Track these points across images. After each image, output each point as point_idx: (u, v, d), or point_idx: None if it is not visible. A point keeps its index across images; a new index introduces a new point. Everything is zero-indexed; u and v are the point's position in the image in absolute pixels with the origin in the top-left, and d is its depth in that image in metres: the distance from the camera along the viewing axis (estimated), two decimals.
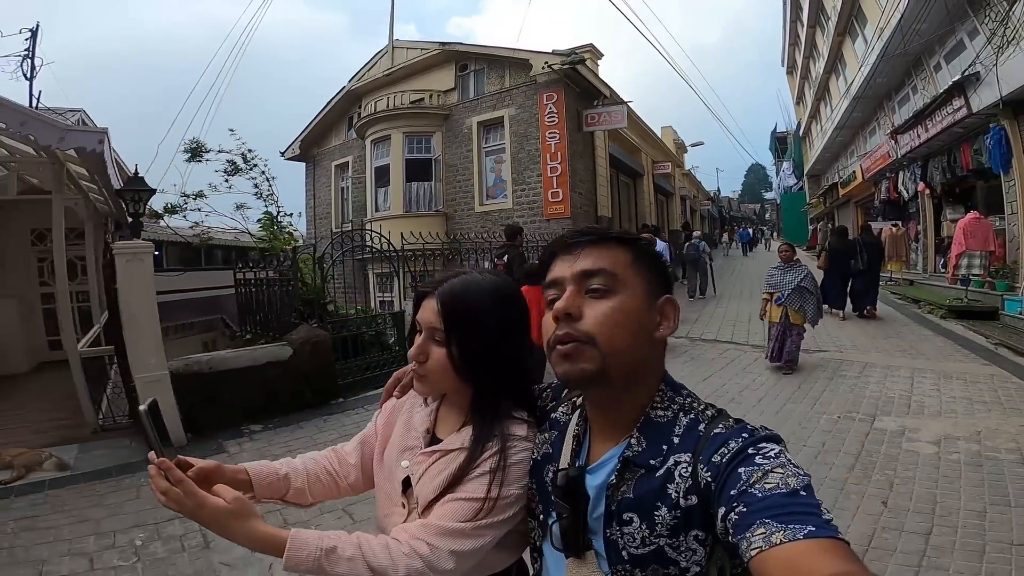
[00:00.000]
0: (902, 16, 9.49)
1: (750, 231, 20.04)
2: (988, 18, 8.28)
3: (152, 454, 0.72)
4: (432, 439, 0.93)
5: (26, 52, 11.03)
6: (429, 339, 0.88)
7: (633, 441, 0.72)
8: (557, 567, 0.78)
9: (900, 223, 12.06)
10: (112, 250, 4.14)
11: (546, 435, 0.85)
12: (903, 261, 11.61)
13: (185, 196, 6.49)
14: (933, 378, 4.95)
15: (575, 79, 10.61)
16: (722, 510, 0.59)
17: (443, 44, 12.14)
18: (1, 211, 7.92)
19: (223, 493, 0.73)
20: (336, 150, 15.08)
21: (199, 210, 6.61)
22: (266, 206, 6.50)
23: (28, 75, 10.85)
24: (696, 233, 12.59)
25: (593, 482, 0.74)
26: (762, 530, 0.52)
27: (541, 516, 0.82)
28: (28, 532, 2.73)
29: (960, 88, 8.73)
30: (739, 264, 18.97)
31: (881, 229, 12.13)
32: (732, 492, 0.59)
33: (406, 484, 0.90)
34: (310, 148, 15.63)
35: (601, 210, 11.81)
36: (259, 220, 6.39)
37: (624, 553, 0.69)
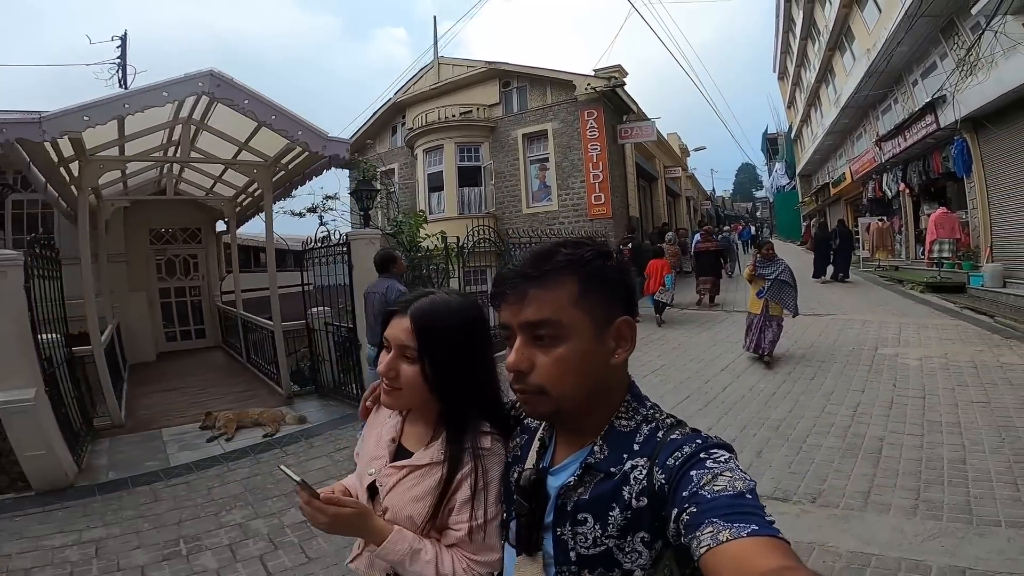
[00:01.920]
0: (887, 39, 11.72)
1: (752, 229, 22.12)
2: (956, 46, 10.58)
3: (298, 488, 0.87)
4: (398, 448, 1.03)
5: (118, 60, 12.44)
6: (399, 356, 0.96)
7: (596, 448, 0.78)
8: (510, 564, 0.85)
9: (885, 218, 14.41)
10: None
11: (517, 440, 0.94)
12: (889, 250, 13.93)
13: (327, 198, 8.21)
14: (915, 327, 7.09)
15: (610, 97, 12.65)
16: (675, 511, 0.65)
17: (489, 63, 14.06)
18: (129, 212, 9.48)
19: (345, 501, 0.90)
20: (380, 157, 16.85)
21: (332, 210, 8.36)
22: (390, 211, 8.30)
23: (123, 82, 12.23)
24: (727, 228, 14.99)
25: (554, 483, 0.80)
26: (710, 529, 0.58)
27: (504, 515, 0.91)
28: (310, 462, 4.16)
29: (931, 107, 10.97)
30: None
31: (869, 223, 14.52)
32: (684, 494, 0.64)
33: (371, 490, 1.01)
34: (353, 155, 17.37)
35: (632, 211, 13.90)
36: (393, 223, 8.09)
37: (572, 554, 0.75)
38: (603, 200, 12.30)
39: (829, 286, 12.17)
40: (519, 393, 0.78)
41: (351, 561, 1.03)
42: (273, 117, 4.83)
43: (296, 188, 6.86)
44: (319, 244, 5.90)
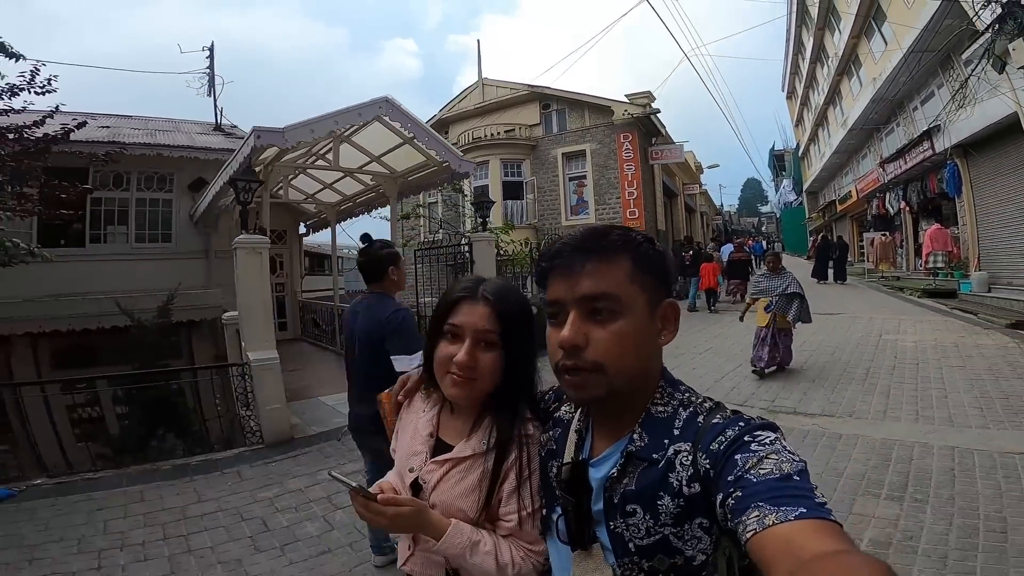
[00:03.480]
0: (892, 71, 13.51)
1: (763, 243, 23.56)
2: (951, 79, 12.40)
3: (352, 493, 0.89)
4: (437, 443, 1.04)
5: (207, 70, 13.94)
6: (476, 343, 0.95)
7: (636, 436, 0.78)
8: (563, 562, 0.85)
9: (887, 233, 16.20)
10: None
11: (550, 433, 0.95)
12: (891, 262, 15.68)
13: (417, 206, 9.89)
14: (912, 322, 8.79)
15: (643, 121, 14.47)
16: (720, 496, 0.65)
17: (530, 86, 15.89)
18: (230, 215, 11.07)
19: (403, 500, 0.91)
20: None
21: (425, 216, 10.04)
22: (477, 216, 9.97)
23: (211, 92, 13.63)
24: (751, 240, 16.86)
25: (596, 475, 0.81)
26: (756, 513, 0.58)
27: (545, 512, 0.91)
28: None
29: (928, 134, 12.80)
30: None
31: (873, 238, 16.30)
32: (729, 478, 0.64)
33: (415, 487, 1.01)
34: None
35: (660, 225, 15.66)
36: (474, 228, 9.77)
37: (631, 545, 0.75)
38: (637, 215, 14.06)
39: (837, 293, 13.98)
40: (570, 372, 0.76)
41: (403, 564, 1.04)
42: (427, 138, 6.52)
43: (407, 196, 8.54)
44: (436, 244, 7.58)
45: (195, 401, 6.58)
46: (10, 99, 5.48)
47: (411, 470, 1.02)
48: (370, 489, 0.92)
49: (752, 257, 15.19)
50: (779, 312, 6.03)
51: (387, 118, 6.13)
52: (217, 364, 6.01)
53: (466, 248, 7.24)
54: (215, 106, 13.24)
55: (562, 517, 0.83)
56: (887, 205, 16.59)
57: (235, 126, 13.47)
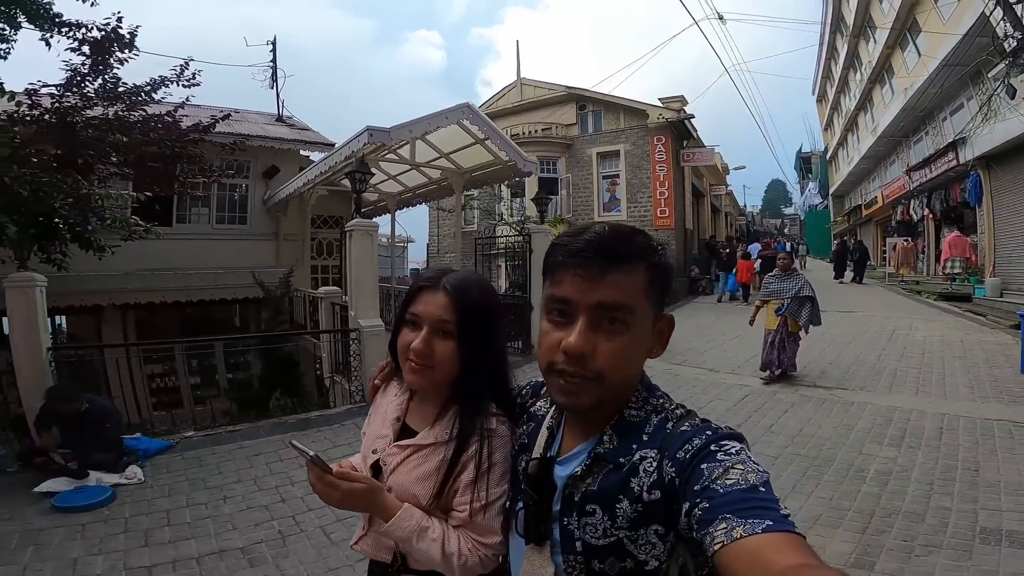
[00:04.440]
0: (924, 83, 14.11)
1: (787, 245, 24.06)
2: (980, 92, 13.06)
3: (309, 462, 0.90)
4: (403, 427, 1.07)
5: (271, 64, 15.04)
6: (434, 332, 0.97)
7: (606, 438, 0.79)
8: (518, 554, 0.88)
9: (910, 239, 16.91)
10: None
11: (524, 427, 0.97)
12: (911, 267, 16.41)
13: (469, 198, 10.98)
14: (924, 320, 9.68)
15: (676, 124, 15.34)
16: (687, 505, 0.66)
17: (568, 88, 16.83)
18: (304, 199, 12.15)
19: (358, 477, 0.93)
20: None
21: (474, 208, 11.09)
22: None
23: (274, 85, 14.67)
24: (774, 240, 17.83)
25: (561, 472, 0.82)
26: (724, 525, 0.59)
27: (509, 504, 0.93)
28: None
29: (953, 146, 13.51)
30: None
31: (896, 243, 17.02)
32: (696, 487, 0.66)
33: (375, 469, 1.04)
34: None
35: (688, 224, 16.55)
36: (520, 220, 10.84)
37: (578, 544, 0.77)
38: (667, 214, 14.99)
39: (856, 294, 14.81)
40: (570, 378, 0.76)
41: (355, 543, 1.07)
42: (499, 141, 7.59)
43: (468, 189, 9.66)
44: (493, 235, 8.63)
45: (305, 364, 7.74)
46: (154, 91, 6.46)
47: (374, 451, 1.06)
48: (333, 466, 0.94)
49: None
50: (791, 316, 5.96)
51: (466, 122, 7.19)
52: (336, 330, 7.05)
53: (525, 239, 8.28)
54: (277, 98, 14.36)
55: (523, 510, 0.86)
56: (911, 212, 17.26)
57: (291, 116, 14.61)
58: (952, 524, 3.04)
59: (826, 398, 5.44)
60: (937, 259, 15.88)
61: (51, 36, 5.44)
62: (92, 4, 5.53)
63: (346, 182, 7.28)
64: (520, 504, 0.87)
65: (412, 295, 1.02)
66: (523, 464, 0.89)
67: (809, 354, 7.27)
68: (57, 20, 5.40)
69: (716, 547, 0.58)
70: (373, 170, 10.48)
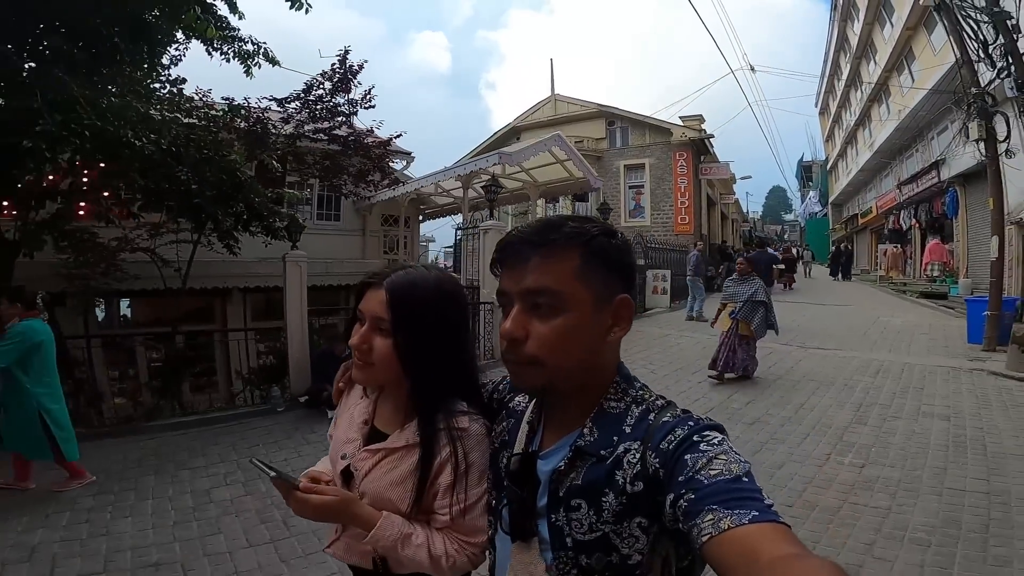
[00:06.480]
0: (917, 105, 16.52)
1: (793, 251, 26.42)
2: (959, 118, 15.50)
3: (273, 482, 0.91)
4: (371, 431, 1.08)
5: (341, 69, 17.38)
6: (373, 329, 1.00)
7: (586, 431, 0.81)
8: (504, 552, 0.89)
9: (899, 245, 19.50)
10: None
11: (504, 424, 0.98)
12: (899, 271, 18.99)
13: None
14: (904, 312, 12.21)
15: (696, 142, 17.85)
16: (671, 496, 0.68)
17: (600, 105, 19.29)
18: (384, 203, 14.38)
19: (326, 490, 0.95)
20: None
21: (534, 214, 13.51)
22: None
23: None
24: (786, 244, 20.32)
25: (544, 468, 0.84)
26: (711, 516, 0.61)
27: (494, 503, 0.93)
28: None
29: (936, 165, 16.07)
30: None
31: (886, 249, 19.59)
32: (680, 479, 0.68)
33: (346, 475, 1.05)
34: None
35: (704, 229, 19.05)
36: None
37: (568, 539, 0.78)
38: (687, 221, 17.49)
39: (849, 292, 17.53)
40: (511, 363, 0.80)
41: (327, 547, 1.08)
42: (578, 163, 10.02)
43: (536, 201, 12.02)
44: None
45: None
46: (351, 116, 8.79)
47: (343, 457, 1.06)
48: (299, 477, 0.94)
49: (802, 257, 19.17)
50: (742, 319, 6.16)
51: (556, 148, 9.61)
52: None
53: None
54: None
55: (507, 507, 0.87)
56: (901, 221, 19.83)
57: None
58: (906, 407, 5.49)
59: (825, 354, 7.89)
60: (922, 264, 18.47)
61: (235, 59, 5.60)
62: (240, 17, 5.49)
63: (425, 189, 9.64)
64: (505, 501, 0.88)
65: (360, 291, 1.05)
66: (504, 461, 0.90)
67: (815, 327, 9.74)
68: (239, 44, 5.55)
69: (704, 539, 0.60)
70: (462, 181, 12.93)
